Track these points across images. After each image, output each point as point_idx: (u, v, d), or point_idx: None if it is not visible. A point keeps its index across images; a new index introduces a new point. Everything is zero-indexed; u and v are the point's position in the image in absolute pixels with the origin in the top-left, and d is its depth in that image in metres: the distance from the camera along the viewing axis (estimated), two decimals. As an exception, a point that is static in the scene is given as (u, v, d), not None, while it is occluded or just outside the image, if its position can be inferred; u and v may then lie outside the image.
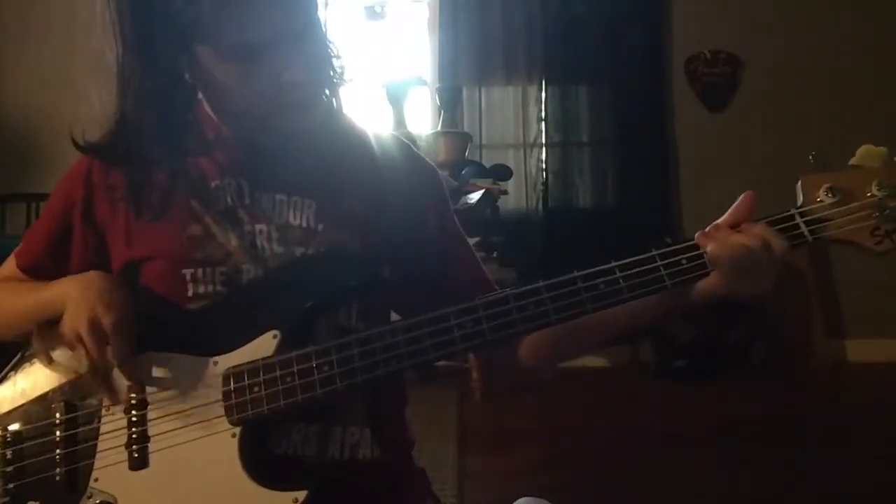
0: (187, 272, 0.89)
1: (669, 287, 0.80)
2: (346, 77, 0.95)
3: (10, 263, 1.03)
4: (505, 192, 3.70)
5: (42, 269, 0.99)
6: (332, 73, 0.92)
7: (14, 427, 0.88)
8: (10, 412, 0.89)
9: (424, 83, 3.86)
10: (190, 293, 0.89)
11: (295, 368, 0.82)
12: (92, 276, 0.89)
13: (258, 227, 0.92)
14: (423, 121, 3.95)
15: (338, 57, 0.93)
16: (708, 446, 2.51)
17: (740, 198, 0.84)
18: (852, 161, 0.81)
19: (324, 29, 0.90)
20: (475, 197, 3.23)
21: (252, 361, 0.84)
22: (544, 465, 2.30)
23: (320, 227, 0.92)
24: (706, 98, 4.07)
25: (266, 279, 0.90)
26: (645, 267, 0.81)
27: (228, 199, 0.93)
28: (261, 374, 0.83)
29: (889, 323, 3.76)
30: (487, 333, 0.81)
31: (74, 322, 0.84)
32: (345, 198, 0.94)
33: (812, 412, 2.90)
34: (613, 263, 0.81)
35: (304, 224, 0.92)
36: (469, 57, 4.01)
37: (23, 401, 0.89)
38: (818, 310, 3.77)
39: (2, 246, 1.00)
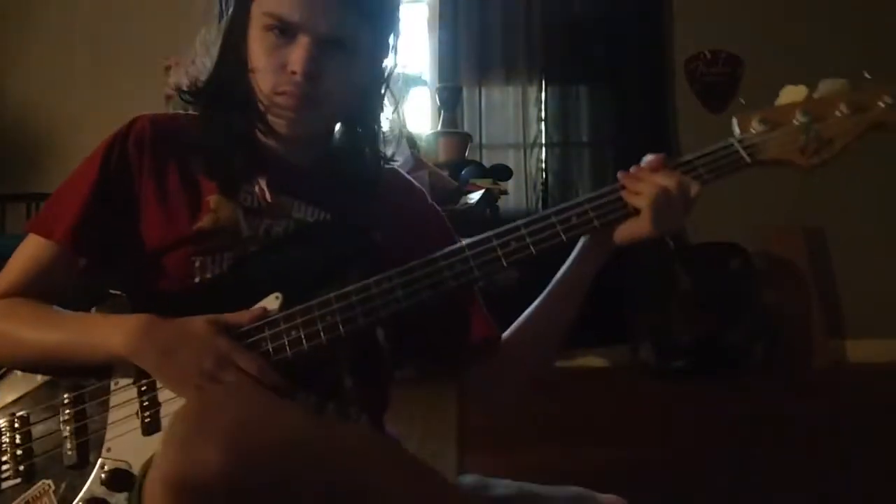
0: (196, 260, 0.92)
1: (598, 227, 0.91)
2: (382, 143, 1.04)
3: (35, 249, 0.95)
4: (505, 192, 3.69)
5: (91, 242, 0.95)
6: (362, 121, 1.02)
7: (22, 412, 0.89)
8: (17, 399, 0.90)
9: (424, 83, 3.86)
10: (197, 279, 0.92)
11: (299, 321, 0.86)
12: (152, 323, 0.85)
13: (277, 221, 0.96)
14: (423, 121, 3.95)
15: (375, 119, 1.02)
16: (708, 446, 2.51)
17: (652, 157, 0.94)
18: (777, 101, 0.94)
19: (380, 86, 1.01)
20: (475, 197, 3.22)
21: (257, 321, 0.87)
22: (544, 465, 2.30)
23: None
24: (706, 98, 4.07)
25: (265, 253, 0.94)
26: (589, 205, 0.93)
27: (254, 201, 0.97)
28: (266, 329, 0.86)
29: (889, 323, 3.76)
30: (475, 270, 0.89)
31: (199, 373, 0.82)
32: (357, 222, 0.98)
33: (812, 412, 2.90)
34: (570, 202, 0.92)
35: (318, 221, 0.98)
36: (469, 57, 4.01)
37: (31, 386, 0.90)
38: (818, 310, 3.77)
39: (2, 246, 0.99)
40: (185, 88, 1.00)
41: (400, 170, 1.11)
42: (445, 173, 3.15)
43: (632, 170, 0.93)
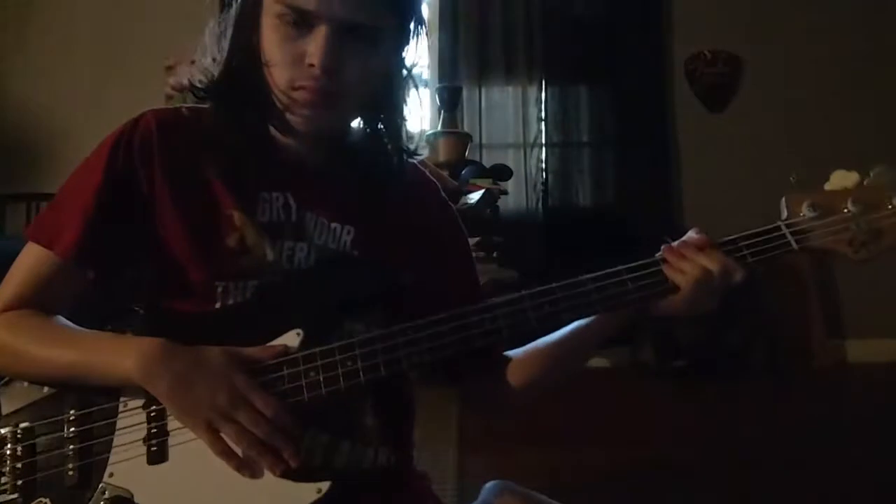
0: (220, 285, 0.88)
1: (636, 300, 0.88)
2: (402, 136, 0.98)
3: (36, 260, 0.89)
4: (505, 192, 3.69)
5: (97, 254, 0.89)
6: (384, 114, 0.97)
7: (25, 423, 0.86)
8: (21, 409, 0.87)
9: (424, 83, 3.86)
10: (218, 305, 0.88)
11: (319, 363, 0.82)
12: (168, 350, 0.82)
13: (299, 244, 0.91)
14: (423, 121, 3.95)
15: (399, 112, 0.97)
16: (708, 446, 2.51)
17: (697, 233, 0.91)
18: (827, 185, 0.91)
19: (401, 77, 0.95)
20: (475, 197, 3.22)
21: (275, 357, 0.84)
22: (544, 465, 2.30)
23: (355, 253, 0.93)
24: (706, 98, 4.07)
25: (289, 284, 0.89)
26: (649, 270, 0.90)
27: (275, 213, 0.91)
28: (284, 368, 0.83)
29: (889, 323, 3.76)
30: (504, 330, 0.86)
31: (211, 409, 0.79)
32: (381, 230, 0.95)
33: (812, 412, 2.90)
34: (621, 267, 0.89)
35: (341, 250, 0.93)
36: (469, 57, 4.01)
37: (36, 397, 0.87)
38: (818, 310, 3.77)
39: (2, 246, 0.95)
40: (197, 85, 0.93)
41: (416, 163, 1.05)
42: (445, 173, 3.15)
43: (675, 245, 0.89)
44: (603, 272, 0.88)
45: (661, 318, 0.91)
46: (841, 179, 0.91)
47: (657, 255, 0.90)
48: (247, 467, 0.79)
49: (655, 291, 0.88)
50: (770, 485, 2.13)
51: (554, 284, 0.88)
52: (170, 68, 2.88)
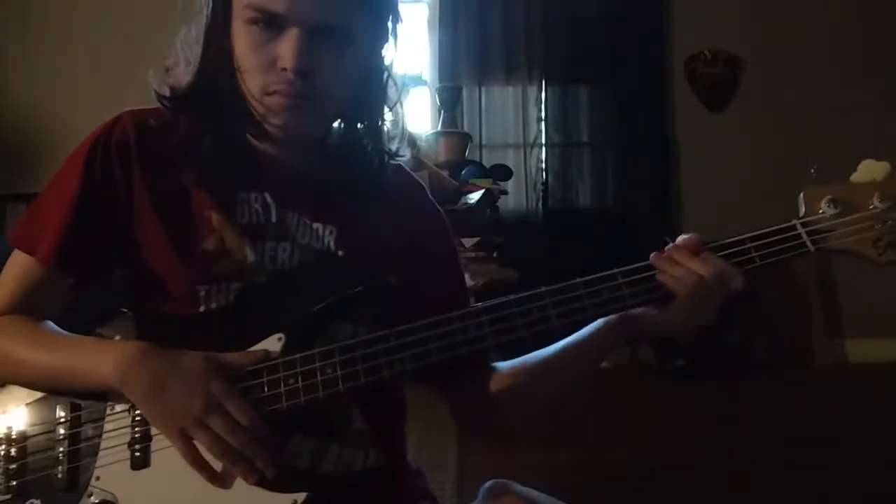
0: (202, 289, 0.87)
1: (629, 307, 0.84)
2: (390, 143, 0.96)
3: (21, 266, 0.89)
4: (505, 192, 3.69)
5: (78, 260, 0.88)
6: (363, 116, 0.95)
7: (18, 425, 0.86)
8: (16, 410, 0.88)
9: (424, 83, 3.86)
10: (202, 308, 0.87)
11: (298, 370, 0.81)
12: (146, 353, 0.80)
13: (282, 244, 0.90)
14: (423, 121, 3.94)
15: (378, 113, 0.95)
16: (707, 446, 2.51)
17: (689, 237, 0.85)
18: (854, 176, 0.83)
19: (381, 76, 0.93)
20: (475, 197, 3.22)
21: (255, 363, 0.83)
22: (544, 465, 2.30)
23: (340, 253, 0.92)
24: (706, 98, 4.07)
25: (272, 285, 0.88)
26: (644, 275, 0.85)
27: (254, 214, 0.90)
28: (264, 375, 0.82)
29: (889, 323, 3.76)
30: (490, 338, 0.83)
31: (185, 415, 0.77)
32: (365, 231, 0.93)
33: (812, 412, 2.90)
34: (615, 271, 0.85)
35: (325, 249, 0.92)
36: (469, 57, 4.01)
37: (28, 399, 0.88)
38: (818, 310, 3.77)
39: (2, 246, 0.95)
40: (167, 95, 0.91)
41: (402, 165, 1.03)
42: (445, 173, 3.15)
43: (667, 250, 0.83)
44: (594, 276, 0.84)
45: (660, 334, 0.87)
46: (869, 170, 0.82)
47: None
48: (217, 479, 0.78)
49: (650, 298, 0.83)
50: (770, 485, 2.12)
51: (543, 289, 0.83)
52: (169, 69, 2.89)
